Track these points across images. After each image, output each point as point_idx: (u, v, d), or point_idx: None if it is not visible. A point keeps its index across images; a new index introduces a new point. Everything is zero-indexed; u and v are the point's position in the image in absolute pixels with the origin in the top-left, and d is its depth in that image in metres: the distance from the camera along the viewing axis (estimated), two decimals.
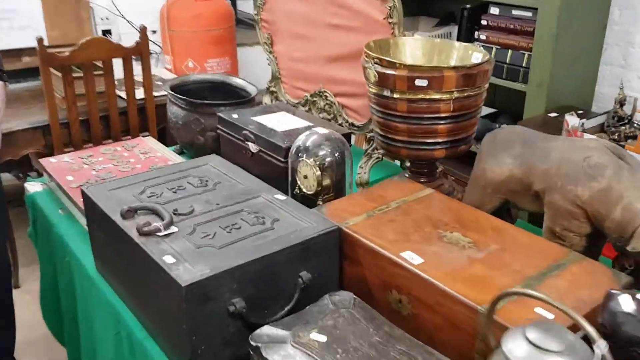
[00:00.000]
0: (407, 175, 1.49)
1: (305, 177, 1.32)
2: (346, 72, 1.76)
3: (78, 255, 1.38)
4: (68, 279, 1.46)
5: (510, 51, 2.51)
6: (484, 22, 2.62)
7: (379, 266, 1.06)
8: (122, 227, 1.09)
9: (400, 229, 1.11)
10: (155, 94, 2.64)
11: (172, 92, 1.81)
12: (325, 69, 1.83)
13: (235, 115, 1.61)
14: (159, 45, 3.36)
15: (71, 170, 1.65)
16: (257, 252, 1.00)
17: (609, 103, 2.50)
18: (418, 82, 1.28)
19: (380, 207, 1.20)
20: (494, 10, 2.57)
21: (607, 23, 2.46)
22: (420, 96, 1.29)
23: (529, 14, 2.44)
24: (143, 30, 2.48)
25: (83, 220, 1.47)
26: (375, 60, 1.33)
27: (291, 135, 1.47)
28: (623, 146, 2.07)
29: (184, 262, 0.98)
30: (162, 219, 1.10)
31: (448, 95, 1.29)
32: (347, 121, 1.81)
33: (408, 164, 1.50)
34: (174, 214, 1.13)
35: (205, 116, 1.72)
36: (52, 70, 2.36)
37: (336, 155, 1.32)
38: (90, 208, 1.24)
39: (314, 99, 1.91)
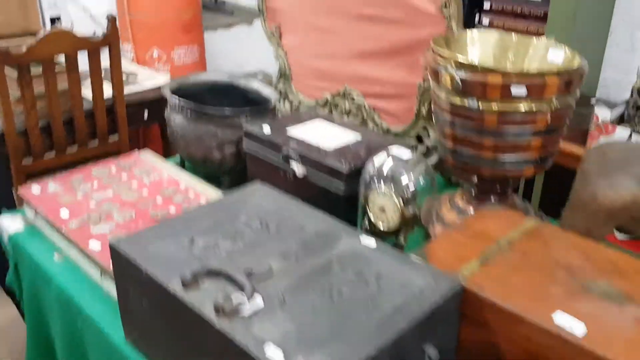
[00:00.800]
0: (472, 193, 1.29)
1: (382, 210, 1.09)
2: (382, 71, 1.53)
3: (96, 320, 1.10)
4: (78, 349, 1.17)
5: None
6: (486, 5, 2.44)
7: (520, 334, 0.85)
8: (187, 303, 0.83)
9: (531, 279, 0.91)
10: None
11: (177, 97, 1.51)
12: (352, 66, 1.59)
13: (266, 128, 1.35)
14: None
15: (63, 202, 1.34)
16: (383, 332, 0.77)
17: (613, 89, 2.39)
18: (515, 91, 1.07)
19: (490, 248, 0.99)
20: None
21: (614, 5, 2.34)
22: (515, 107, 1.08)
23: None
24: (112, 21, 2.13)
25: (90, 268, 1.18)
26: (456, 63, 1.11)
27: (345, 153, 1.23)
28: None
29: (294, 354, 0.74)
30: (240, 288, 0.84)
31: (547, 105, 1.09)
32: (380, 126, 1.59)
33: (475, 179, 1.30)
34: (249, 275, 0.88)
35: (223, 128, 1.45)
36: (6, 68, 1.98)
37: (421, 182, 1.09)
38: (125, 270, 0.96)
39: (336, 99, 1.67)
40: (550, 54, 1.24)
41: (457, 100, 1.13)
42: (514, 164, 1.16)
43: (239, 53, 3.65)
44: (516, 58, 1.26)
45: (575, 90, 1.13)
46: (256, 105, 1.61)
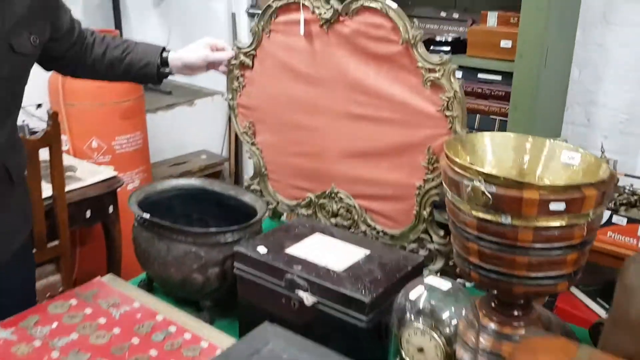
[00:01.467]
0: (493, 305, 1.18)
1: (421, 350, 0.95)
2: (375, 172, 1.42)
3: None
4: None
5: (478, 116, 2.34)
6: None
7: None
8: None
9: None
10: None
11: (148, 214, 1.32)
12: (341, 165, 1.47)
13: (262, 249, 1.18)
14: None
15: (17, 355, 1.10)
16: None
17: None
18: (554, 207, 0.98)
19: None
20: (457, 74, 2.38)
21: (568, 82, 2.39)
22: (553, 223, 0.99)
23: (497, 77, 2.29)
24: (54, 116, 1.91)
25: None
26: (484, 177, 1.01)
27: (360, 276, 1.09)
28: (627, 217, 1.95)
29: None
30: None
31: (584, 219, 1.00)
32: (373, 228, 1.46)
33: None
34: None
35: (207, 248, 1.27)
36: None
37: (464, 315, 0.96)
38: None
39: (321, 200, 1.53)
40: (564, 156, 1.17)
41: (486, 215, 1.03)
42: (548, 280, 1.06)
43: (181, 134, 3.47)
44: (532, 162, 1.19)
45: (608, 198, 1.05)
46: (234, 212, 1.45)
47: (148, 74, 1.46)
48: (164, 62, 1.47)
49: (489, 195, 1.00)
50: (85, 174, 2.36)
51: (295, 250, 1.19)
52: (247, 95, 1.59)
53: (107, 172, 2.37)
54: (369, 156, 1.41)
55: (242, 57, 1.55)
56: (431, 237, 1.37)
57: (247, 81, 1.57)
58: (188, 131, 3.51)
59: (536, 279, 1.06)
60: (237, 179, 3.78)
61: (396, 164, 1.37)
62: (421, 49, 1.25)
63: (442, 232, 1.36)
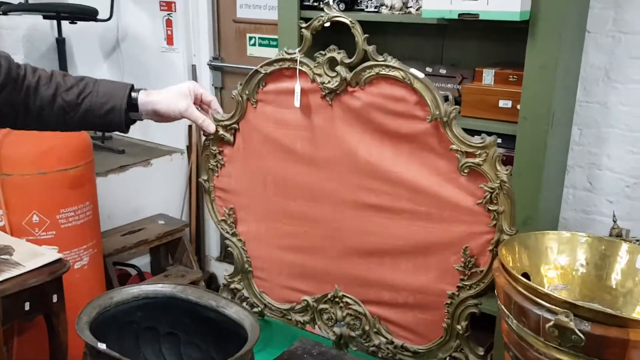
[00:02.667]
0: None
1: None
2: (392, 273, 1.14)
3: None
4: None
5: None
6: None
7: None
8: None
9: None
10: None
11: (97, 343, 1.00)
12: (348, 264, 1.19)
13: None
14: None
15: None
16: None
17: (573, 229, 2.22)
18: None
19: None
20: None
21: (569, 144, 2.21)
22: None
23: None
24: None
25: None
26: (574, 310, 0.74)
27: None
28: None
29: None
30: None
31: None
32: (390, 342, 1.18)
33: None
34: None
35: None
36: None
37: None
38: None
39: (322, 305, 1.24)
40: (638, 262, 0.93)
41: (571, 357, 0.76)
42: None
43: (136, 198, 3.13)
44: (607, 269, 0.94)
45: None
46: (212, 325, 1.15)
47: (113, 121, 1.15)
48: (133, 106, 1.16)
49: (581, 336, 0.74)
50: (24, 256, 1.99)
51: None
52: (226, 176, 1.30)
53: (51, 254, 2.00)
54: (384, 255, 1.14)
55: (220, 131, 1.26)
56: (467, 357, 1.10)
57: (227, 159, 1.29)
58: (143, 194, 3.17)
59: None
60: (199, 246, 3.44)
61: (420, 266, 1.10)
62: (457, 128, 1.00)
63: (481, 351, 1.09)
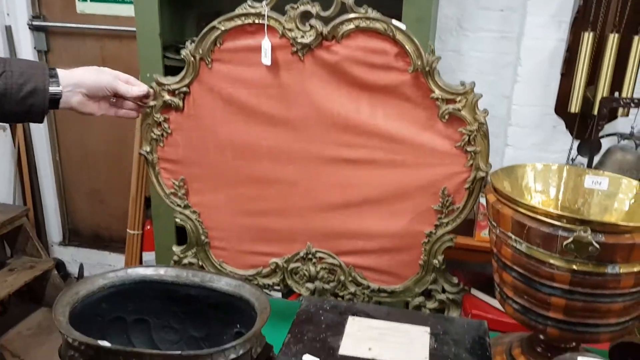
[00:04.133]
0: (539, 350, 1.08)
1: None
2: (369, 222, 1.19)
3: None
4: None
5: None
6: None
7: None
8: None
9: None
10: None
11: (97, 341, 0.89)
12: (320, 221, 1.20)
13: (309, 358, 0.88)
14: None
15: None
16: None
17: None
18: None
19: None
20: None
21: None
22: None
23: None
24: None
25: None
26: (591, 225, 0.88)
27: None
28: None
29: None
30: None
31: None
32: (366, 287, 1.23)
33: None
34: None
35: None
36: None
37: None
38: None
39: (293, 264, 1.24)
40: (588, 181, 1.11)
41: (586, 267, 0.90)
42: (631, 322, 0.99)
43: None
44: (568, 193, 1.10)
45: None
46: (192, 304, 1.09)
47: (34, 106, 0.97)
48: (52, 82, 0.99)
49: (597, 246, 0.87)
50: None
51: (350, 349, 0.91)
52: (173, 145, 1.20)
53: None
54: (360, 206, 1.18)
55: (166, 97, 1.16)
56: (442, 287, 1.21)
57: (174, 127, 1.19)
58: None
59: (623, 322, 0.97)
60: (39, 232, 3.07)
61: (397, 211, 1.16)
62: (438, 77, 1.06)
63: (455, 279, 1.20)
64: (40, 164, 3.02)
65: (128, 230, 2.60)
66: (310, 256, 1.23)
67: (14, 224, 2.74)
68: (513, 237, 0.96)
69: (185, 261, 1.28)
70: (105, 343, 0.90)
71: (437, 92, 1.06)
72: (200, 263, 1.28)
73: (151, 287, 1.11)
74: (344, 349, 0.90)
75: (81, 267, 3.12)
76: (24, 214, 2.79)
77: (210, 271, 1.29)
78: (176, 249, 1.29)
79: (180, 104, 1.16)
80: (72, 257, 3.16)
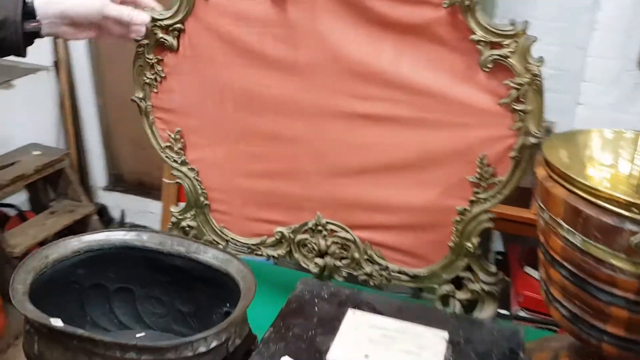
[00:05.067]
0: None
1: None
2: (390, 193, 0.99)
3: None
4: None
5: None
6: None
7: None
8: None
9: None
10: None
11: (49, 319, 0.76)
12: (333, 186, 1.02)
13: None
14: None
15: None
16: None
17: None
18: None
19: None
20: None
21: None
22: None
23: None
24: None
25: None
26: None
27: None
28: None
29: None
30: None
31: None
32: (384, 268, 1.05)
33: None
34: None
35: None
36: None
37: None
38: None
39: (300, 236, 1.07)
40: None
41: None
42: None
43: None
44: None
45: None
46: (178, 274, 0.94)
47: (5, 40, 0.87)
48: (29, 14, 0.87)
49: None
50: None
51: (340, 354, 0.73)
52: (168, 92, 1.04)
53: None
54: (379, 172, 0.98)
55: (159, 35, 0.99)
56: (475, 275, 1.00)
57: (169, 71, 1.02)
58: (7, 122, 2.69)
59: None
60: (83, 176, 3.05)
61: (424, 182, 0.96)
62: (480, 14, 0.83)
63: (493, 268, 1.00)
64: (84, 107, 2.96)
65: (164, 179, 2.51)
66: (320, 228, 1.05)
67: (55, 167, 2.71)
68: (565, 225, 0.74)
69: (184, 224, 1.14)
70: (57, 322, 0.77)
71: (479, 33, 0.83)
72: (201, 227, 1.13)
73: (133, 254, 0.97)
74: (334, 354, 0.73)
75: (122, 213, 3.10)
76: (65, 157, 2.76)
77: (210, 237, 1.14)
78: (174, 209, 1.14)
79: (175, 43, 0.99)
80: (116, 202, 3.13)
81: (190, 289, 0.98)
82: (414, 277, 1.04)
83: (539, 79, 0.83)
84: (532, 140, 0.86)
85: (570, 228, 0.73)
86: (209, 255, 0.93)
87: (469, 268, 1.00)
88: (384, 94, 0.92)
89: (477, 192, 0.94)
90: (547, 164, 0.78)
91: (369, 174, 0.99)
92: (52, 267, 0.91)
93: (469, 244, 0.98)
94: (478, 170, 0.92)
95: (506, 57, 0.83)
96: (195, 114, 1.04)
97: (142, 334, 1.02)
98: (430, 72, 0.89)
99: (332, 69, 0.93)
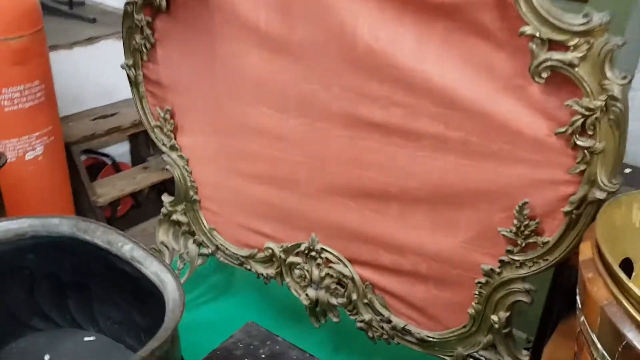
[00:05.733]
0: None
1: None
2: (399, 227, 0.74)
3: None
4: None
5: None
6: None
7: None
8: None
9: None
10: None
11: None
12: (333, 206, 0.79)
13: None
14: None
15: None
16: None
17: None
18: None
19: None
20: None
21: None
22: None
23: None
24: None
25: None
26: None
27: None
28: None
29: None
30: None
31: None
32: (386, 320, 0.80)
33: None
34: None
35: None
36: None
37: None
38: None
39: (292, 258, 0.86)
40: None
41: None
42: None
43: (107, 76, 2.68)
44: None
45: None
46: (135, 284, 0.78)
47: None
48: None
49: None
50: None
51: None
52: (158, 62, 0.87)
53: None
54: (387, 199, 0.73)
55: None
56: (500, 359, 0.72)
57: (159, 36, 0.85)
58: (118, 72, 2.71)
59: None
60: None
61: (444, 222, 0.70)
62: None
63: (525, 355, 0.71)
64: None
65: None
66: (314, 254, 0.83)
67: None
68: (600, 347, 0.46)
69: (175, 217, 0.97)
70: None
71: (534, 25, 0.55)
72: (191, 224, 0.96)
73: (87, 249, 0.83)
74: None
75: None
76: None
77: (200, 238, 0.96)
78: (166, 198, 0.98)
79: (164, 2, 0.81)
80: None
81: (141, 299, 0.82)
82: (421, 341, 0.79)
83: (619, 104, 0.53)
84: (599, 194, 0.57)
85: (605, 353, 0.45)
86: (152, 270, 0.75)
87: (492, 346, 0.73)
88: (398, 96, 0.67)
89: (510, 251, 0.66)
90: (596, 240, 0.49)
91: (373, 199, 0.74)
92: None
93: (494, 318, 0.70)
94: (515, 222, 0.64)
95: (571, 64, 0.54)
96: (187, 91, 0.86)
97: (92, 338, 0.89)
98: (463, 72, 0.62)
99: (335, 52, 0.69)
